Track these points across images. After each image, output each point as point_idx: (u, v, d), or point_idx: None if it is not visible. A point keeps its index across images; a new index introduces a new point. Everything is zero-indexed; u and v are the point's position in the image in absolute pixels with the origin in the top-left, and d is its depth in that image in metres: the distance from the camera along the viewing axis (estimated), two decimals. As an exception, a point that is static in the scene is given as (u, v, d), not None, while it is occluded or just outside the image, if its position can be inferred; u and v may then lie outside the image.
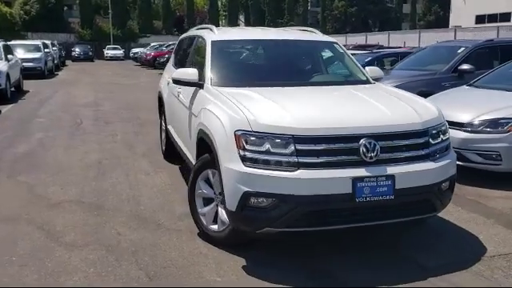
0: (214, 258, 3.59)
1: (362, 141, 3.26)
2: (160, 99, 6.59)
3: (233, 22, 58.72)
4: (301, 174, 3.17)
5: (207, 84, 4.27)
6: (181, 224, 4.28)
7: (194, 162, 4.37)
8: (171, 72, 6.01)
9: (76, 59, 40.73)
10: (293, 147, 3.21)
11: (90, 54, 42.66)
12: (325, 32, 19.79)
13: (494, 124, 5.28)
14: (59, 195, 5.06)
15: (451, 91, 6.59)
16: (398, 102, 3.79)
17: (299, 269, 3.44)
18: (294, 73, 4.70)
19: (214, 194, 3.84)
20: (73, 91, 16.39)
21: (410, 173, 3.34)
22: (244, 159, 3.28)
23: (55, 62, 26.96)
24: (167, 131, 6.17)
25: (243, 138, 3.30)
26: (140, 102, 13.42)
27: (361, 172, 3.23)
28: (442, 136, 3.63)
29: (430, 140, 3.51)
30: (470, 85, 6.75)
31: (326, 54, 5.08)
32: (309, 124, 3.26)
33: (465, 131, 5.32)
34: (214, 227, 3.83)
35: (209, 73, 4.35)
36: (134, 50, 41.88)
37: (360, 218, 3.35)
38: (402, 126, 3.43)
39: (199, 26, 6.10)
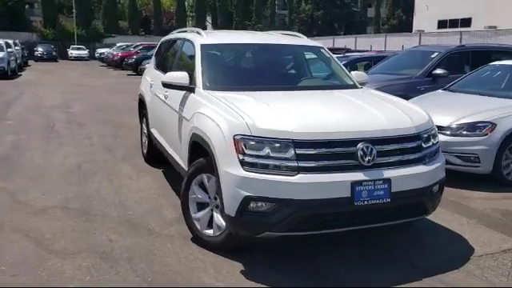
0: (212, 263, 3.58)
1: (360, 145, 3.33)
2: (141, 102, 6.50)
3: (200, 24, 58.31)
4: (301, 178, 3.21)
5: (198, 88, 4.26)
6: (172, 229, 4.24)
7: (184, 166, 4.35)
8: (154, 75, 6.00)
9: (39, 59, 39.56)
10: (293, 151, 3.24)
11: (54, 53, 41.52)
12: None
13: (472, 127, 5.48)
14: (42, 201, 4.92)
15: (428, 95, 6.79)
16: (390, 107, 3.89)
17: (298, 271, 3.48)
18: (284, 77, 4.75)
19: (209, 198, 3.83)
20: (39, 92, 15.93)
21: (404, 176, 3.43)
22: (243, 163, 3.29)
23: (18, 61, 26.12)
24: (149, 135, 6.10)
25: (242, 142, 3.31)
26: (111, 104, 13.21)
27: (359, 176, 3.29)
28: (432, 140, 3.74)
29: (422, 144, 3.61)
30: (445, 89, 6.98)
31: (313, 58, 5.14)
32: (308, 128, 3.31)
33: (444, 134, 5.48)
34: (209, 232, 3.81)
35: (200, 76, 4.33)
36: (100, 51, 41.09)
37: (358, 221, 3.42)
38: (396, 130, 3.52)
39: (183, 29, 6.06)
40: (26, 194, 5.14)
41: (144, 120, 6.52)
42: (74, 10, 50.26)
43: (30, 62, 35.20)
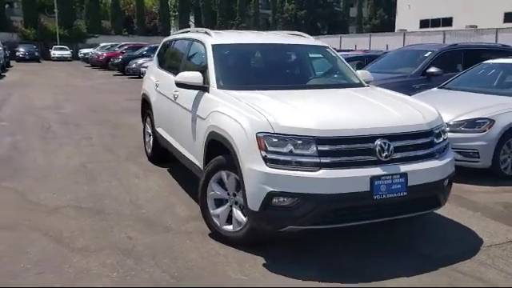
0: (234, 258, 3.67)
1: (377, 141, 3.47)
2: (145, 102, 6.54)
3: (183, 23, 58.14)
4: (323, 173, 3.33)
5: (212, 87, 4.35)
6: (189, 226, 4.32)
7: (199, 164, 4.43)
8: (159, 75, 6.06)
9: (21, 60, 38.91)
10: (315, 148, 3.36)
11: (36, 54, 40.86)
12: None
13: (472, 124, 5.67)
14: (54, 201, 4.94)
15: (425, 93, 6.97)
16: (402, 104, 4.04)
17: (317, 263, 3.60)
18: (294, 76, 4.86)
19: (228, 195, 3.92)
20: (28, 93, 15.76)
21: (419, 170, 3.58)
22: (267, 160, 3.39)
23: (1, 62, 25.74)
24: (155, 134, 6.15)
25: (265, 139, 3.41)
26: (103, 104, 13.18)
27: (377, 171, 3.43)
28: (442, 136, 3.90)
29: (434, 139, 3.77)
30: (441, 87, 7.18)
31: (321, 57, 5.26)
32: (329, 126, 3.43)
33: (445, 131, 5.65)
34: (229, 227, 3.91)
35: (213, 76, 4.42)
36: (84, 51, 40.67)
37: (376, 214, 3.55)
38: (411, 126, 3.67)
39: (188, 29, 6.15)
40: (36, 194, 5.16)
41: (148, 119, 6.57)
42: (55, 10, 49.60)
43: (12, 63, 34.65)
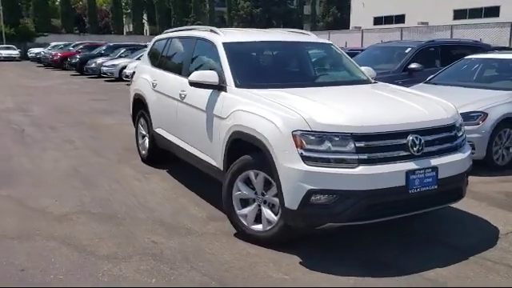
0: (269, 258, 3.65)
1: (410, 136, 3.54)
2: (139, 102, 6.35)
3: (137, 21, 57.16)
4: (362, 169, 3.36)
5: (230, 86, 4.29)
6: (210, 227, 4.25)
7: (216, 164, 4.37)
8: (156, 74, 5.92)
9: (-36, 60, 36.93)
10: (352, 145, 3.38)
11: (-19, 54, 38.94)
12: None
13: (466, 117, 5.85)
14: (59, 207, 4.72)
15: (414, 88, 7.15)
16: (423, 100, 4.13)
17: (354, 259, 3.63)
18: (307, 73, 4.87)
19: (256, 194, 3.89)
20: (-18, 96, 14.98)
21: (447, 164, 3.68)
22: (305, 158, 3.39)
23: None
24: (153, 135, 6.00)
25: (302, 137, 3.40)
26: (71, 105, 12.74)
27: (411, 165, 3.50)
28: (462, 129, 4.03)
29: (457, 133, 3.89)
30: (426, 82, 7.40)
31: (328, 54, 5.30)
32: (365, 122, 3.46)
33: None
34: (258, 227, 3.88)
35: (229, 75, 4.36)
36: (35, 50, 39.07)
37: (410, 207, 3.63)
38: (437, 121, 3.77)
39: (187, 27, 6.04)
40: (36, 201, 4.91)
41: (142, 121, 6.39)
42: None
43: (-44, 64, 32.83)
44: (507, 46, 18.75)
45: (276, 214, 3.75)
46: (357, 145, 3.39)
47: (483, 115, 5.85)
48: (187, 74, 5.03)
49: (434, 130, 3.71)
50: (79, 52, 27.99)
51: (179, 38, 5.82)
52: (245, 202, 3.99)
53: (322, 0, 62.61)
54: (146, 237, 4.03)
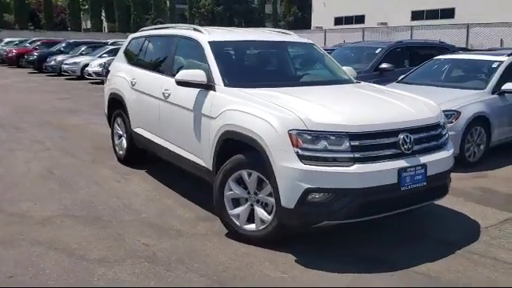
0: (264, 257, 3.65)
1: (401, 135, 3.63)
2: (116, 102, 6.19)
3: (95, 18, 55.71)
4: (357, 168, 3.42)
5: (219, 85, 4.26)
6: (200, 228, 4.22)
7: (204, 164, 4.34)
8: (134, 73, 5.81)
9: None
10: (348, 143, 3.44)
11: None
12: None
13: (441, 116, 6.08)
14: (39, 211, 4.56)
15: (388, 87, 7.33)
16: (409, 99, 4.25)
17: (346, 256, 3.70)
18: (293, 73, 4.90)
19: (248, 193, 3.89)
20: None
21: (435, 161, 3.81)
22: (301, 157, 3.42)
23: None
24: (131, 135, 5.88)
25: (298, 137, 3.43)
26: (33, 105, 12.28)
27: (402, 163, 3.59)
28: (445, 128, 4.17)
29: (442, 131, 4.02)
30: (399, 82, 7.60)
31: (311, 54, 5.34)
32: (359, 121, 3.53)
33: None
34: (251, 227, 3.88)
35: (217, 74, 4.33)
36: (-14, 47, 37.31)
37: (402, 204, 3.73)
38: (424, 120, 3.89)
39: (166, 25, 5.96)
40: (13, 205, 4.72)
41: (119, 120, 6.25)
42: None
43: None
44: (464, 46, 19.50)
45: (269, 213, 3.77)
46: (352, 143, 3.45)
47: (456, 114, 6.07)
48: (170, 73, 5.00)
49: (422, 128, 3.83)
50: (36, 49, 26.97)
51: (159, 36, 5.74)
52: (236, 202, 3.98)
53: (284, -1, 63.10)
54: (135, 239, 3.96)
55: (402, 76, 7.77)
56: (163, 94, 4.95)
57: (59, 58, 21.81)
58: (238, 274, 3.41)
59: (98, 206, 4.74)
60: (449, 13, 32.86)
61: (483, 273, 3.47)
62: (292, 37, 5.41)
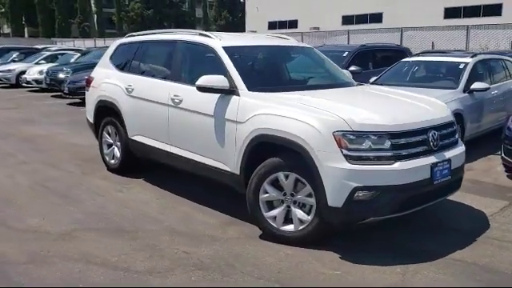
0: (309, 256, 3.74)
1: (429, 132, 3.89)
2: (107, 109, 5.97)
3: (16, 22, 52.68)
4: (398, 165, 3.63)
5: (243, 90, 4.29)
6: (231, 232, 4.23)
7: (228, 169, 4.35)
8: (130, 79, 5.67)
9: None
10: (389, 142, 3.64)
11: None
12: (123, 34, 19.28)
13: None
14: (54, 226, 4.33)
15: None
16: (424, 100, 4.52)
17: (384, 250, 3.88)
18: (305, 76, 5.02)
19: (284, 195, 3.96)
20: None
21: (455, 156, 4.11)
22: (348, 157, 3.56)
23: None
24: (127, 143, 5.71)
25: (344, 137, 3.57)
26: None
27: (433, 159, 3.86)
28: (456, 126, 4.50)
29: (455, 129, 4.35)
30: (373, 83, 7.96)
31: (316, 58, 5.49)
32: (398, 121, 3.74)
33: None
34: (289, 227, 3.95)
35: (239, 79, 4.36)
36: None
37: (433, 197, 3.99)
38: (443, 118, 4.19)
39: (159, 31, 5.86)
40: (21, 222, 4.45)
41: (109, 129, 6.05)
42: None
43: None
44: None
45: (308, 214, 3.87)
46: (392, 142, 3.64)
47: (438, 112, 6.49)
48: (179, 79, 4.97)
49: (443, 126, 4.12)
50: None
51: (157, 41, 5.64)
52: (270, 205, 4.05)
53: (213, 3, 63.19)
54: (172, 247, 3.89)
55: (375, 78, 8.15)
56: (172, 99, 4.89)
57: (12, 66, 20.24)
58: (294, 273, 3.48)
59: (112, 217, 4.59)
60: (377, 17, 34.66)
61: (510, 256, 3.80)
62: (292, 41, 5.54)
